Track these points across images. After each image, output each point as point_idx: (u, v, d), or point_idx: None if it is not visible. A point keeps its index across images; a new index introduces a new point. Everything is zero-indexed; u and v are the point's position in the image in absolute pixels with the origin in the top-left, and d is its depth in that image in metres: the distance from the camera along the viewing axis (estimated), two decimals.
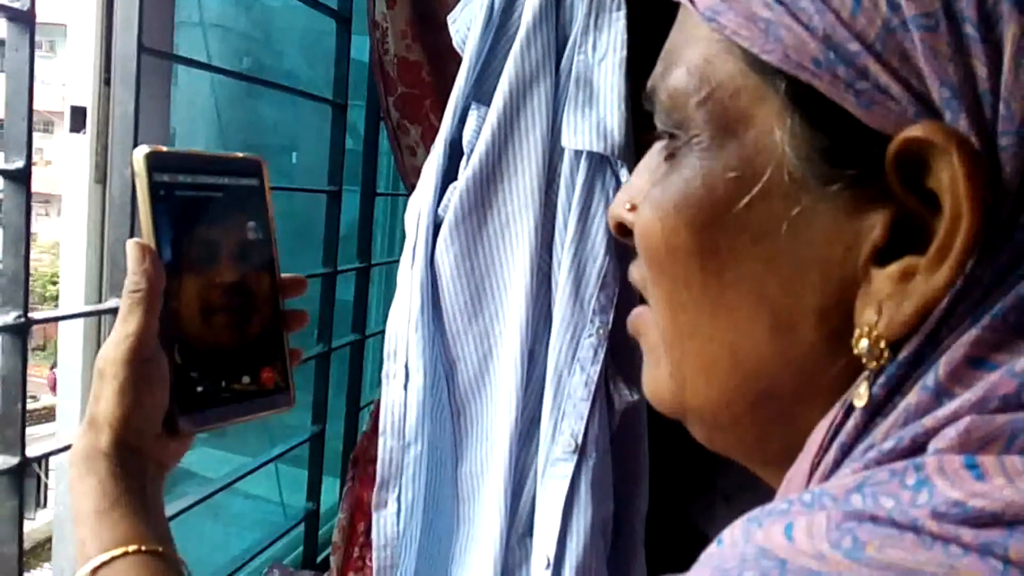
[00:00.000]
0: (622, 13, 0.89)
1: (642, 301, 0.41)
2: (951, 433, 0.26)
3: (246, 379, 0.59)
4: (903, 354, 0.29)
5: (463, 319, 0.97)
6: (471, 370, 0.99)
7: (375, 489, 0.96)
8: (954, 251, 0.28)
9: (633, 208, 0.39)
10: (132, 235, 0.92)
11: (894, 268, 0.29)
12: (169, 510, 0.99)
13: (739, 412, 0.35)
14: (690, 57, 0.34)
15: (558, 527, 0.91)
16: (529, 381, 0.96)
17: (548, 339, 0.94)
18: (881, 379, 0.29)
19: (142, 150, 0.55)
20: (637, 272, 0.40)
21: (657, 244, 0.35)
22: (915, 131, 0.28)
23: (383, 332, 0.99)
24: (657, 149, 0.38)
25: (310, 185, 1.36)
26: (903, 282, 0.29)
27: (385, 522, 0.96)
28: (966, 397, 0.27)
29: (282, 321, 0.62)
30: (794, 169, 0.31)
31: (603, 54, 0.89)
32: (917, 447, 0.27)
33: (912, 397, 0.28)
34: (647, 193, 0.37)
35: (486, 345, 0.98)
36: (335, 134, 1.32)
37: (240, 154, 0.61)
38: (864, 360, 0.30)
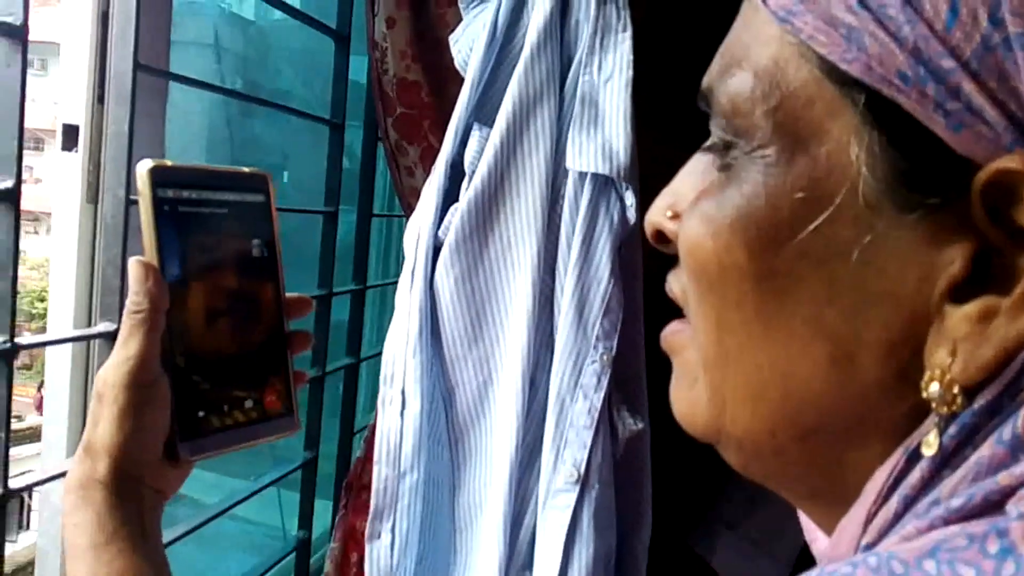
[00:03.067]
0: (628, 34, 0.88)
1: (665, 317, 0.39)
2: None
3: (249, 403, 0.57)
4: (979, 402, 0.26)
5: (463, 344, 0.95)
6: (470, 396, 0.97)
7: (369, 519, 0.93)
8: None
9: (676, 216, 0.36)
10: (124, 257, 0.90)
11: (973, 307, 0.27)
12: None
13: (784, 445, 0.32)
14: (758, 59, 0.31)
15: (559, 560, 0.89)
16: (530, 408, 0.94)
17: (550, 365, 0.92)
18: (953, 428, 0.27)
19: (146, 164, 0.52)
20: (677, 285, 0.37)
21: (708, 261, 0.33)
22: (1012, 162, 0.25)
23: (377, 355, 0.97)
24: (706, 157, 0.35)
25: (303, 205, 1.34)
26: (982, 323, 0.27)
27: (379, 554, 0.93)
28: None
29: (286, 342, 0.59)
30: (870, 193, 0.28)
31: (609, 75, 0.87)
32: (990, 506, 0.25)
33: (986, 450, 0.26)
34: (696, 204, 0.34)
35: (486, 371, 0.96)
36: (332, 154, 1.29)
37: (246, 168, 0.58)
38: (934, 405, 0.27)
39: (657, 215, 0.38)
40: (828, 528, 0.34)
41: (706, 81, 0.34)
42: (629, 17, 0.90)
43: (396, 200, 1.43)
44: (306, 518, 1.36)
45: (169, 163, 0.53)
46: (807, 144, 0.30)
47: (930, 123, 0.27)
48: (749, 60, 0.32)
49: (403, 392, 0.92)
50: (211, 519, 1.05)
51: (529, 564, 0.93)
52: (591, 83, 0.88)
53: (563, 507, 0.90)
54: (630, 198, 0.87)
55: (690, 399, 0.36)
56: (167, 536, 0.97)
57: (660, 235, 0.38)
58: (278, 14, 1.22)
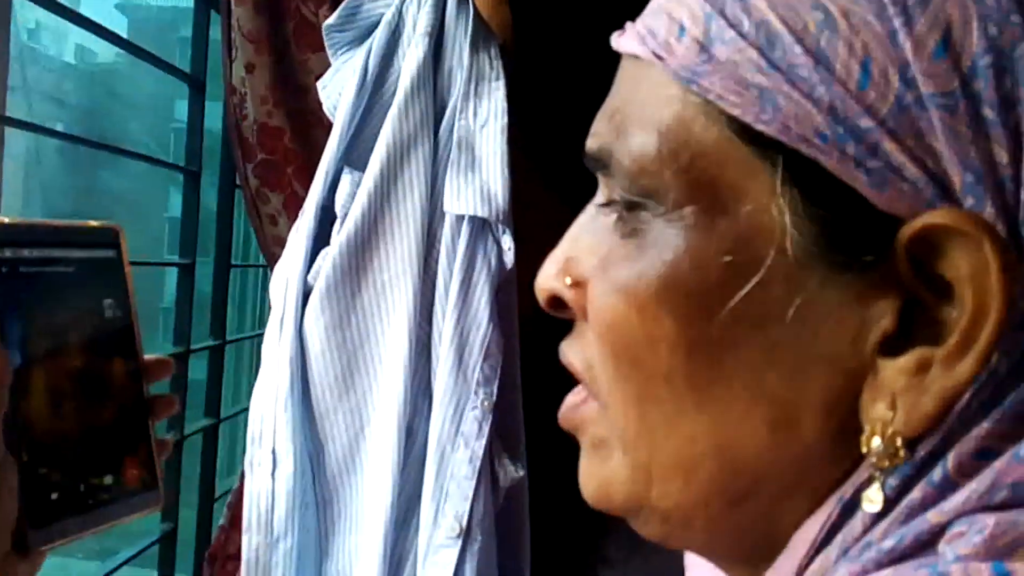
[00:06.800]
0: (501, 83, 0.89)
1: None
2: (973, 538, 0.24)
3: (108, 480, 0.51)
4: (920, 453, 0.26)
5: (333, 395, 0.91)
6: (340, 452, 0.92)
7: None
8: (979, 344, 0.26)
9: (577, 284, 0.33)
10: None
11: (908, 359, 0.27)
12: None
13: (716, 513, 0.31)
14: (659, 119, 0.30)
15: None
16: (407, 460, 0.91)
17: (428, 413, 0.90)
18: (893, 480, 0.27)
19: None
20: (576, 357, 0.34)
21: (634, 337, 0.31)
22: (941, 217, 0.26)
23: (235, 415, 0.91)
24: (601, 219, 0.33)
25: (143, 257, 1.26)
26: (919, 375, 0.27)
27: None
28: (972, 488, 0.25)
29: (146, 409, 0.54)
30: (799, 253, 0.28)
31: (484, 120, 0.88)
32: (920, 545, 0.25)
33: (916, 492, 0.26)
34: (606, 273, 0.32)
35: (358, 423, 0.92)
36: (188, 203, 1.23)
37: (94, 222, 0.53)
38: (875, 460, 0.27)
39: (552, 281, 0.35)
40: None
41: (596, 143, 0.33)
42: (502, 67, 0.91)
43: (251, 249, 1.37)
44: None
45: (6, 219, 0.48)
46: (726, 204, 0.29)
47: (853, 181, 0.27)
48: (648, 120, 0.30)
49: (274, 452, 0.87)
50: None
51: None
52: (467, 128, 0.88)
53: (445, 563, 0.87)
54: (507, 241, 0.88)
55: (603, 476, 0.33)
56: None
57: (555, 300, 0.35)
58: (103, 58, 1.16)
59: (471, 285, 0.87)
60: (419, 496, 0.90)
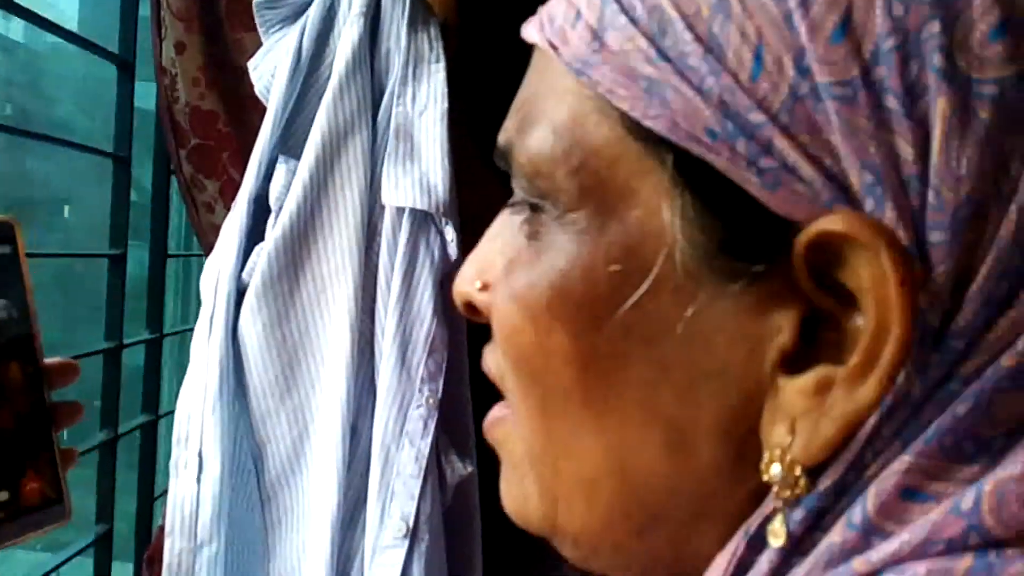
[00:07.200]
0: (441, 65, 0.85)
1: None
2: None
3: (3, 495, 0.47)
4: (824, 484, 0.24)
5: (274, 396, 0.88)
6: (283, 452, 0.89)
7: None
8: (882, 364, 0.23)
9: (485, 287, 0.32)
10: None
11: (807, 379, 0.25)
12: None
13: (622, 539, 0.29)
14: (555, 114, 0.28)
15: None
16: (352, 460, 0.88)
17: (372, 412, 0.87)
18: (798, 513, 0.24)
19: None
20: (494, 363, 0.33)
21: (529, 348, 0.29)
22: (834, 223, 0.23)
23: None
24: (512, 219, 0.31)
25: (88, 242, 1.21)
26: (819, 396, 0.24)
27: None
28: (904, 539, 0.22)
29: (48, 417, 0.50)
30: (688, 261, 0.25)
31: (423, 106, 0.84)
32: None
33: (836, 535, 0.24)
34: (507, 279, 0.30)
35: (301, 423, 0.88)
36: (118, 191, 1.17)
37: None
38: (776, 488, 0.25)
39: (465, 284, 0.33)
40: None
41: (503, 138, 0.31)
42: (442, 48, 0.87)
43: (194, 238, 1.32)
44: None
45: None
46: (615, 208, 0.27)
47: (744, 183, 0.24)
48: (546, 115, 0.28)
49: (200, 454, 0.83)
50: None
51: None
52: (405, 115, 0.84)
53: (392, 564, 0.84)
54: (450, 233, 0.84)
55: (520, 496, 0.32)
56: None
57: (471, 307, 0.33)
58: (52, 37, 1.10)
59: (414, 279, 0.84)
60: (365, 496, 0.87)
